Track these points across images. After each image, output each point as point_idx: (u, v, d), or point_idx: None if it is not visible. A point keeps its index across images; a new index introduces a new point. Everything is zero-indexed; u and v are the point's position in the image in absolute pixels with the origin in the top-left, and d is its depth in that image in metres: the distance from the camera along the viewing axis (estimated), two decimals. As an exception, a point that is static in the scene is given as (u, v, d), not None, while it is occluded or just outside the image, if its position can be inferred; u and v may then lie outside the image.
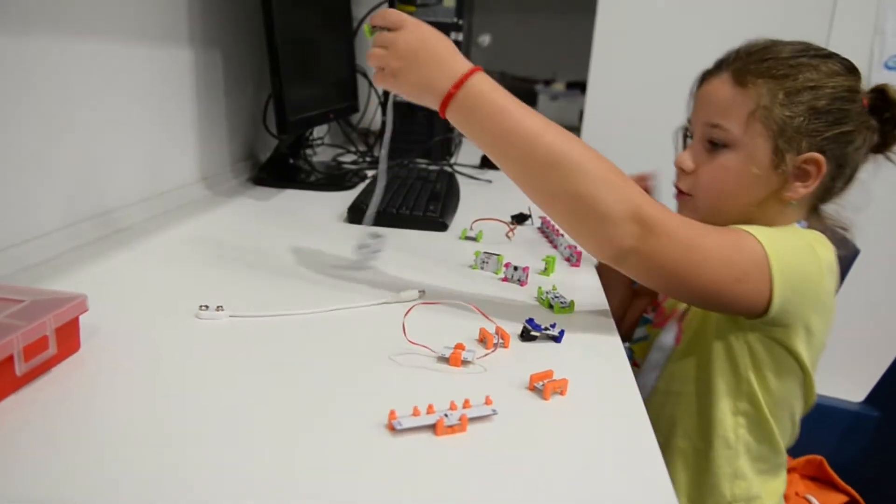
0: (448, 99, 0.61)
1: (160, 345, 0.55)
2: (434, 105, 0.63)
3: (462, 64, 0.63)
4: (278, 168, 1.20)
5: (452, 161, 1.58)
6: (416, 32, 0.63)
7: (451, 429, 0.44)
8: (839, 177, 0.74)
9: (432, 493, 0.39)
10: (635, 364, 0.87)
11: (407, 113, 1.57)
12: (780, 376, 0.72)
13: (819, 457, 1.06)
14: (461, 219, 1.03)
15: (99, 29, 0.79)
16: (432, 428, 0.44)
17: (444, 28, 1.50)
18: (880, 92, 0.75)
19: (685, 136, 0.81)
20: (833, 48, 2.06)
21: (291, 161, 1.23)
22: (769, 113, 0.70)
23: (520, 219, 1.04)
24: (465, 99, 0.61)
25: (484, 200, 1.19)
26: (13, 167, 0.67)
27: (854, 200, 0.79)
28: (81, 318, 0.52)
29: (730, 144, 0.73)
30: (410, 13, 1.49)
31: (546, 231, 0.98)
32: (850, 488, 1.02)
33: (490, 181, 1.39)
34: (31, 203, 0.70)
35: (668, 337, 0.80)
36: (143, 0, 0.86)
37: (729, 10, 2.01)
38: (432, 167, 1.43)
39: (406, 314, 0.58)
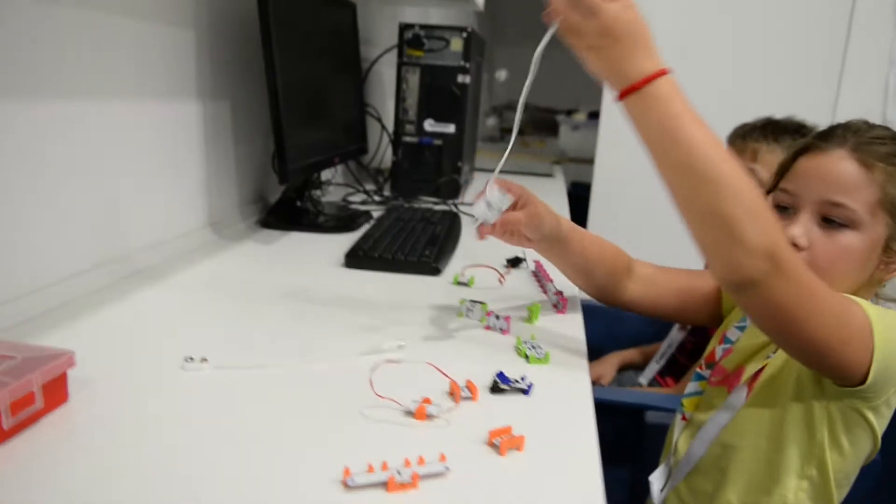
0: (630, 90, 0.61)
1: (144, 397, 0.58)
2: (613, 87, 0.63)
3: (655, 59, 0.62)
4: (285, 211, 1.24)
5: (460, 199, 1.61)
6: (631, 12, 0.61)
7: (402, 486, 0.46)
8: None
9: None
10: (684, 418, 0.88)
11: (415, 152, 1.61)
12: (853, 446, 0.73)
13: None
14: (459, 261, 1.06)
15: (113, 91, 0.84)
16: (384, 485, 0.46)
17: (452, 71, 1.56)
18: None
19: (780, 205, 0.80)
20: (846, 81, 2.06)
21: (298, 204, 1.27)
22: (891, 199, 0.73)
23: (514, 262, 1.06)
24: (646, 97, 0.61)
25: (488, 242, 1.21)
26: (30, 215, 0.72)
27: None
28: (73, 370, 0.55)
29: (853, 225, 0.74)
30: (418, 58, 1.53)
31: (538, 275, 1.00)
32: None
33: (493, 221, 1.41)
34: (41, 252, 0.75)
35: (737, 398, 0.80)
36: (152, 62, 0.92)
37: (743, 49, 2.03)
38: (438, 207, 1.46)
39: (374, 370, 0.61)
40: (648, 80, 0.60)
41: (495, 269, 0.98)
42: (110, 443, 0.51)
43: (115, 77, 0.85)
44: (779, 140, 1.24)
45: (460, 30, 1.56)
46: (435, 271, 0.99)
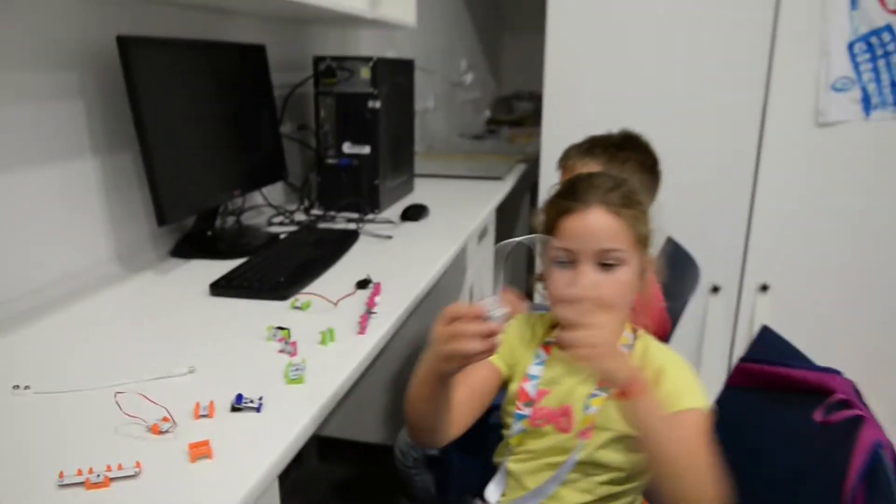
0: (639, 392, 0.78)
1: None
2: (626, 384, 0.79)
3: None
4: (193, 239, 1.44)
5: (378, 214, 1.78)
6: (605, 333, 0.79)
7: (96, 485, 0.65)
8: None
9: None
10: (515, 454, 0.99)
11: (336, 173, 1.78)
12: None
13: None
14: (328, 280, 1.25)
15: (16, 161, 1.05)
16: (83, 484, 0.65)
17: (360, 98, 1.72)
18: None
19: (559, 261, 0.92)
20: (777, 72, 2.14)
21: (209, 233, 1.46)
22: (641, 237, 0.93)
23: (362, 284, 1.23)
24: (642, 402, 0.79)
25: (370, 261, 1.38)
26: None
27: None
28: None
29: (623, 262, 0.91)
30: (332, 86, 1.70)
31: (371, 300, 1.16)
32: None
33: (390, 237, 1.58)
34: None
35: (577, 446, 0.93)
36: (51, 133, 1.12)
37: (671, 39, 2.09)
38: (342, 226, 1.64)
39: (145, 391, 0.79)
40: (641, 390, 0.79)
41: (324, 297, 1.15)
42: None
43: (17, 150, 1.05)
44: (594, 155, 1.37)
45: (367, 60, 1.72)
46: (282, 297, 1.16)
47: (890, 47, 2.01)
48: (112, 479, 0.66)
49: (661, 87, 2.15)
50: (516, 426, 0.98)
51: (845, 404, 0.85)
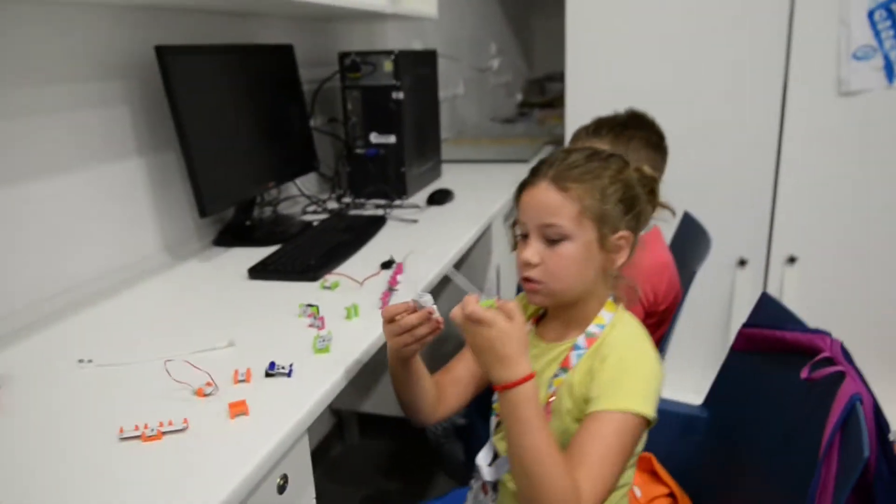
0: (504, 388, 0.82)
1: (42, 389, 0.91)
2: (493, 381, 0.83)
3: (523, 367, 0.82)
4: (233, 229, 1.56)
5: (406, 200, 1.87)
6: (490, 332, 0.81)
7: (150, 438, 0.76)
8: (636, 243, 0.98)
9: (119, 471, 0.71)
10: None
11: (364, 162, 1.88)
12: None
13: (649, 454, 1.26)
14: (356, 261, 1.35)
15: (68, 164, 1.18)
16: (139, 437, 0.76)
17: (384, 90, 1.81)
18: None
19: (519, 235, 0.97)
20: (796, 41, 2.17)
21: (248, 223, 1.58)
22: (591, 208, 0.91)
23: (387, 265, 1.33)
24: (511, 397, 0.81)
25: (395, 244, 1.47)
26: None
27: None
28: (6, 369, 0.89)
29: (566, 238, 0.91)
30: (357, 80, 1.79)
31: (393, 277, 1.25)
32: (671, 481, 1.20)
33: (416, 221, 1.67)
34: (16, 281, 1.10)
35: None
36: (100, 137, 1.25)
37: (692, 15, 2.12)
38: (371, 212, 1.74)
39: (190, 362, 0.91)
40: (515, 384, 0.81)
41: (350, 277, 1.25)
42: (13, 421, 0.83)
43: (72, 154, 1.18)
44: (600, 136, 1.42)
45: (389, 53, 1.80)
46: (313, 278, 1.27)
47: (913, 13, 2.00)
48: (164, 433, 0.77)
49: (682, 63, 2.18)
50: (495, 405, 1.04)
51: (829, 361, 0.91)
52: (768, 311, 1.13)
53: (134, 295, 1.24)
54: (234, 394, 0.86)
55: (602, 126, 1.46)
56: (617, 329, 0.96)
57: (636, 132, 1.44)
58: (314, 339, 0.99)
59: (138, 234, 1.37)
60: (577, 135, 1.50)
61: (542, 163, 0.97)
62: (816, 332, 0.98)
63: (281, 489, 0.80)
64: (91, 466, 0.73)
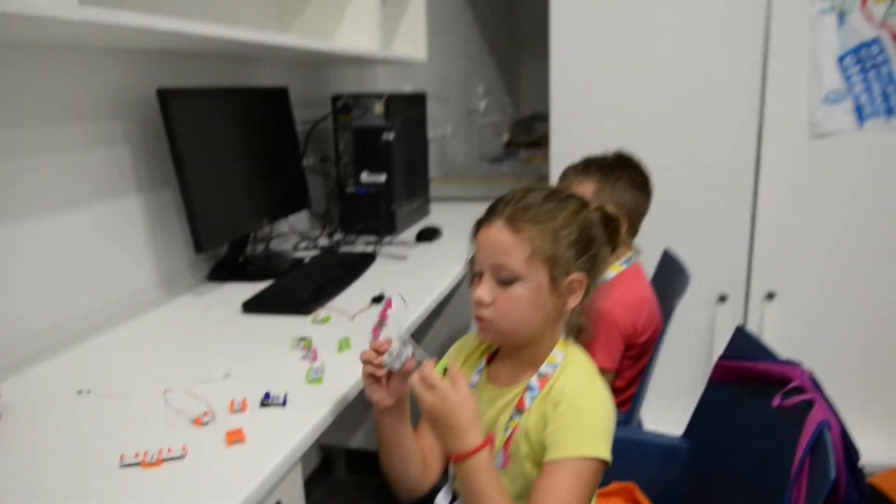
0: (458, 459, 0.86)
1: (42, 418, 0.93)
2: (448, 451, 0.88)
3: (473, 438, 0.85)
4: (227, 265, 1.60)
5: (395, 237, 1.92)
6: (446, 403, 0.85)
7: (150, 464, 0.79)
8: (592, 285, 0.98)
9: (119, 497, 0.74)
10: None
11: (356, 200, 1.94)
12: None
13: (631, 484, 1.29)
14: (347, 296, 1.39)
15: (68, 202, 1.22)
16: (139, 464, 0.79)
17: (375, 131, 1.87)
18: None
19: (474, 273, 0.97)
20: (770, 86, 2.24)
21: (241, 259, 1.62)
22: (542, 250, 0.91)
23: (377, 299, 1.37)
24: (467, 467, 0.85)
25: (385, 280, 1.52)
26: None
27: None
28: (7, 399, 0.92)
29: (517, 279, 0.91)
30: (348, 120, 1.86)
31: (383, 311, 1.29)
32: (654, 509, 1.24)
33: (405, 258, 1.72)
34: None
35: (497, 461, 0.96)
36: (99, 176, 1.29)
37: (669, 60, 2.21)
38: (360, 250, 1.78)
39: (185, 393, 0.94)
40: (469, 455, 0.85)
41: (341, 311, 1.29)
42: (15, 448, 0.86)
43: (72, 191, 1.23)
44: (589, 174, 1.49)
45: (380, 96, 1.87)
46: (305, 312, 1.31)
47: (879, 59, 2.11)
48: (164, 461, 0.80)
49: (661, 105, 2.26)
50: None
51: (799, 390, 0.95)
52: (743, 343, 1.18)
53: (130, 328, 1.27)
54: (231, 423, 0.89)
55: (590, 165, 1.53)
56: (567, 370, 0.96)
57: (623, 172, 1.50)
58: (307, 371, 1.02)
59: (134, 269, 1.41)
60: (566, 173, 1.56)
61: (499, 201, 0.96)
62: (788, 362, 1.03)
63: (275, 516, 0.83)
64: (93, 493, 0.76)
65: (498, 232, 0.93)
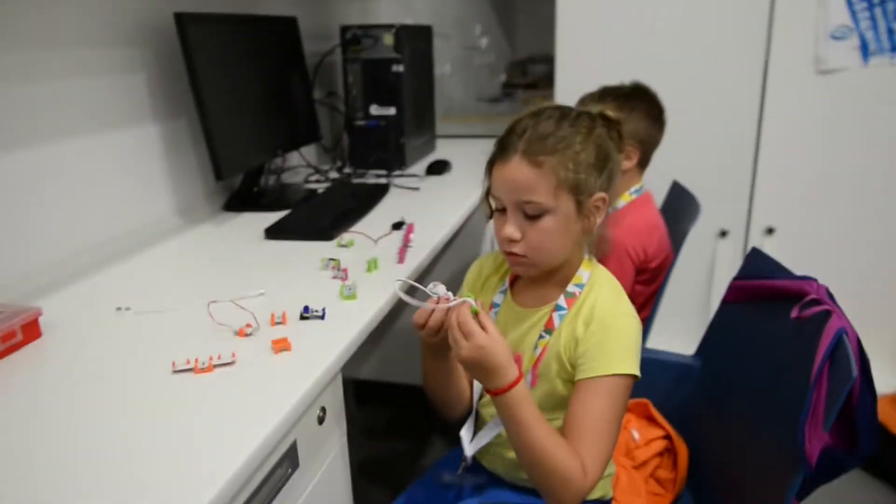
0: (497, 392, 0.87)
1: (86, 334, 0.96)
2: (486, 388, 0.89)
3: (511, 373, 0.86)
4: (242, 196, 1.60)
5: (406, 170, 1.93)
6: (480, 351, 0.85)
7: (202, 370, 0.82)
8: (613, 198, 0.98)
9: (175, 399, 0.77)
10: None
11: (365, 133, 1.93)
12: None
13: (646, 400, 1.34)
14: (365, 224, 1.41)
15: (88, 129, 1.22)
16: (192, 370, 0.82)
17: (385, 63, 1.86)
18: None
19: (495, 208, 0.96)
20: (777, 21, 2.24)
21: (255, 189, 1.63)
22: (567, 180, 0.90)
23: (397, 226, 1.39)
24: (506, 400, 0.87)
25: (401, 210, 1.53)
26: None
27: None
28: (47, 318, 0.93)
29: (546, 212, 0.91)
30: (358, 53, 1.84)
31: (405, 236, 1.31)
32: (667, 425, 1.29)
33: (418, 188, 1.73)
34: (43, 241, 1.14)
35: (526, 381, 0.95)
36: (117, 104, 1.28)
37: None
38: (373, 181, 1.79)
39: (230, 306, 0.96)
40: (507, 389, 0.86)
41: (365, 235, 1.31)
42: (59, 364, 0.88)
43: (89, 119, 1.22)
44: (605, 103, 1.49)
45: (390, 27, 1.85)
46: (329, 238, 1.32)
47: (887, -6, 2.10)
48: (215, 366, 0.83)
49: (668, 44, 2.25)
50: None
51: (817, 302, 0.99)
52: (758, 264, 1.21)
53: (156, 253, 1.29)
54: (273, 334, 0.91)
55: (607, 94, 1.53)
56: (595, 290, 0.98)
57: (639, 103, 1.51)
58: (341, 288, 1.05)
59: (152, 197, 1.41)
60: (583, 101, 1.57)
61: (510, 133, 0.93)
62: (804, 278, 1.06)
63: (320, 420, 0.87)
64: (149, 397, 0.78)
65: (518, 168, 0.91)
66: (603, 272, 1.03)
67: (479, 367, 0.87)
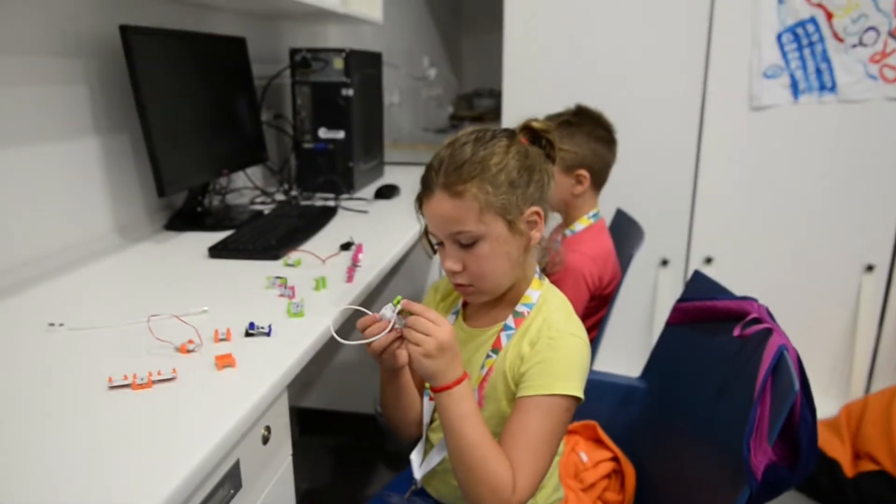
0: (443, 388, 0.87)
1: (16, 349, 0.90)
2: (432, 383, 0.88)
3: (459, 370, 0.89)
4: (185, 215, 1.56)
5: (353, 194, 1.92)
6: (450, 333, 0.87)
7: (141, 385, 0.78)
8: (548, 210, 0.99)
9: (111, 416, 0.72)
10: (431, 399, 1.05)
11: (313, 156, 1.92)
12: None
13: (593, 422, 1.35)
14: (313, 245, 1.38)
15: (23, 138, 1.16)
16: (130, 385, 0.78)
17: (335, 87, 1.86)
18: (528, 128, 0.98)
19: (434, 244, 0.99)
20: (714, 60, 2.32)
21: (199, 209, 1.59)
22: (490, 203, 0.90)
23: (346, 246, 1.37)
24: (452, 394, 0.87)
25: (348, 230, 1.51)
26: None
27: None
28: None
29: (478, 238, 0.91)
30: (306, 74, 1.83)
31: (354, 256, 1.30)
32: (614, 447, 1.30)
33: (366, 212, 1.72)
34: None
35: None
36: (56, 113, 1.23)
37: (619, 33, 2.28)
38: (321, 203, 1.77)
39: (171, 323, 0.92)
40: (457, 382, 0.88)
41: (313, 254, 1.29)
42: None
43: (25, 128, 1.17)
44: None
45: (340, 51, 1.86)
46: (275, 257, 1.29)
47: (814, 37, 2.23)
48: (154, 382, 0.79)
49: (610, 78, 2.33)
50: (428, 398, 1.08)
51: (758, 321, 1.02)
52: (700, 286, 1.25)
53: (92, 270, 1.23)
54: (217, 350, 0.88)
55: (550, 122, 1.55)
56: (543, 310, 0.98)
57: (581, 126, 1.54)
58: (288, 305, 1.02)
59: (90, 213, 1.36)
60: None
61: (429, 169, 0.95)
62: (745, 298, 1.10)
63: (265, 440, 0.84)
64: (84, 413, 0.74)
65: (440, 203, 0.92)
66: (553, 292, 1.03)
67: (448, 353, 0.87)
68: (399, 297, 0.90)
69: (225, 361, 0.83)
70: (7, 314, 1.03)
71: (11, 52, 1.15)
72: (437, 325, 0.87)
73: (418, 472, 1.04)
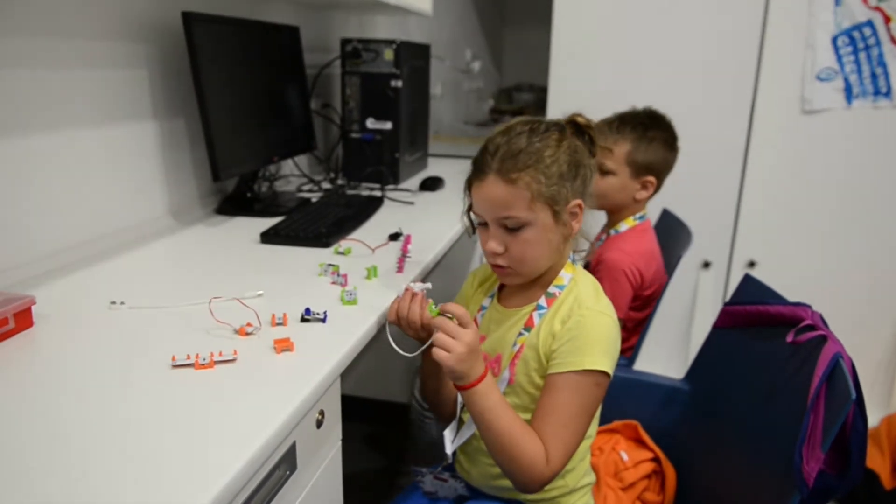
0: (469, 386, 0.92)
1: (80, 325, 0.93)
2: (456, 382, 0.93)
3: (482, 366, 0.93)
4: (235, 200, 1.59)
5: (399, 185, 1.93)
6: (475, 335, 0.92)
7: (203, 366, 0.80)
8: (589, 202, 1.02)
9: (175, 394, 0.75)
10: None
11: (360, 146, 1.93)
12: None
13: (635, 422, 1.34)
14: (361, 234, 1.40)
15: (87, 121, 1.20)
16: (193, 365, 0.80)
17: (384, 78, 1.87)
18: (573, 123, 1.02)
19: (477, 224, 1.02)
20: (766, 63, 2.29)
21: (248, 195, 1.61)
22: (541, 193, 0.94)
23: (394, 237, 1.38)
24: (477, 391, 0.92)
25: (396, 222, 1.52)
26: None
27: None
28: (41, 307, 0.91)
29: (524, 224, 0.95)
30: (356, 65, 1.85)
31: (404, 246, 1.31)
32: (655, 447, 1.29)
33: (412, 203, 1.74)
34: (40, 232, 1.11)
35: (502, 381, 1.03)
36: (117, 99, 1.27)
37: (670, 36, 2.25)
38: (367, 193, 1.79)
39: (229, 306, 0.95)
40: (477, 382, 0.92)
41: (363, 243, 1.30)
42: (50, 354, 0.86)
43: (89, 112, 1.20)
44: (623, 134, 1.51)
45: (391, 42, 1.87)
46: (325, 245, 1.31)
47: (871, 41, 2.18)
48: (216, 362, 0.81)
49: (659, 79, 2.30)
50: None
51: (812, 328, 1.01)
52: (750, 289, 1.23)
53: (149, 250, 1.26)
54: (274, 334, 0.90)
55: (625, 124, 1.54)
56: (575, 290, 1.01)
57: (657, 133, 1.53)
58: (341, 293, 1.04)
59: (146, 196, 1.39)
60: (599, 129, 1.58)
61: (483, 152, 0.98)
62: (798, 304, 1.08)
63: (319, 424, 0.86)
64: (147, 391, 0.76)
65: (493, 186, 0.95)
66: (585, 275, 1.06)
67: (476, 352, 0.92)
68: (432, 305, 0.96)
69: (284, 345, 0.85)
70: (72, 290, 1.06)
71: (73, 34, 1.17)
72: (463, 330, 0.91)
73: (450, 447, 1.07)
